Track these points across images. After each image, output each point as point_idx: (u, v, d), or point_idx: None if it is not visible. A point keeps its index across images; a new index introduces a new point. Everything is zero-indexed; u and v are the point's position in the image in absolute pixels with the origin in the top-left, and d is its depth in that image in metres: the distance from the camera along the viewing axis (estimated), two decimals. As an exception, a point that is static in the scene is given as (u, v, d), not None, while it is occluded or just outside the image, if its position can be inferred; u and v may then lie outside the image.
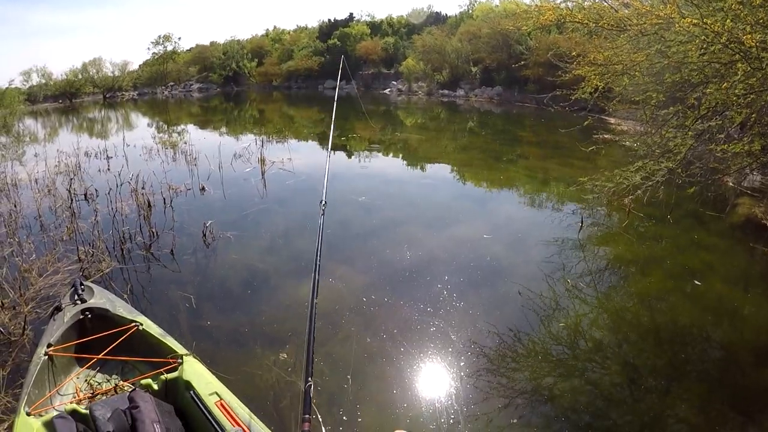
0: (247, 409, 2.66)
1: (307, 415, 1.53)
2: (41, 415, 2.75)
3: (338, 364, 4.14)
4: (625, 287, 5.95)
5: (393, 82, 37.93)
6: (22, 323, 4.92)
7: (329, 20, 51.90)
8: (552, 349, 4.51)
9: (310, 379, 1.65)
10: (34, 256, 6.72)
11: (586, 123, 8.35)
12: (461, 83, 31.82)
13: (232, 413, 2.60)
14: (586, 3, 6.72)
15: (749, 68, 4.42)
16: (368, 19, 50.66)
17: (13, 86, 49.75)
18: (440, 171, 11.57)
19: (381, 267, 6.05)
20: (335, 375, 4.01)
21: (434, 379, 4.07)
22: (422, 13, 46.86)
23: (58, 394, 3.22)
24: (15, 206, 9.43)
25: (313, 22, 56.76)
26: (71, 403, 2.91)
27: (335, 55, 44.79)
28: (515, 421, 3.60)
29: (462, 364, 4.21)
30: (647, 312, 5.25)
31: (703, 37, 4.60)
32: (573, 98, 7.53)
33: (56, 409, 2.85)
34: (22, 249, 6.96)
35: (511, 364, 4.25)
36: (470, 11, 40.13)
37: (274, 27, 59.43)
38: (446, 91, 31.72)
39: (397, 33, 45.94)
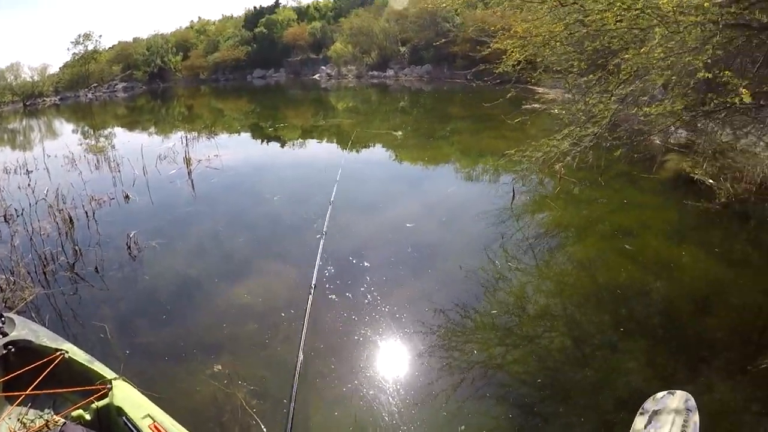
0: (183, 429, 2.63)
1: None
2: None
3: (285, 365, 3.98)
4: (564, 251, 6.02)
5: (322, 67, 37.62)
6: None
7: (255, 8, 50.91)
8: (499, 319, 4.52)
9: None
10: None
11: (509, 96, 8.21)
12: (390, 64, 31.79)
13: None
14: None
15: (667, 32, 4.52)
16: (294, 4, 49.97)
17: None
18: (373, 154, 11.48)
19: (298, 263, 5.81)
20: (284, 375, 3.87)
21: (388, 364, 4.04)
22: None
23: None
24: None
25: (238, 11, 55.92)
26: None
27: (262, 43, 44.29)
28: (473, 393, 3.61)
29: (413, 344, 4.20)
30: (587, 274, 5.34)
31: (619, 4, 4.67)
32: (496, 72, 7.54)
33: None
34: None
35: (461, 338, 4.26)
36: None
37: (199, 18, 57.94)
38: (376, 73, 31.66)
39: (324, 17, 45.45)
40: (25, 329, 3.78)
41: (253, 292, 5.16)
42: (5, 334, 3.70)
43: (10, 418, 3.21)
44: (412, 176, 9.50)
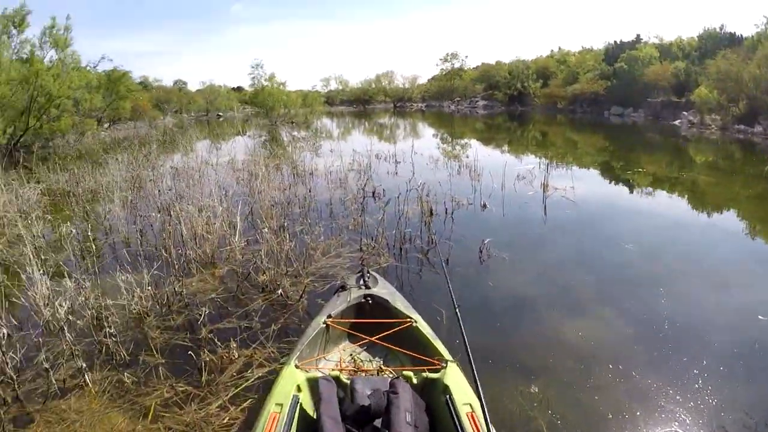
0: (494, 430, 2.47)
1: None
2: (307, 371, 3.12)
3: (596, 411, 3.71)
4: None
5: (683, 113, 34.96)
6: (300, 291, 5.69)
7: (615, 42, 49.78)
8: None
9: None
10: (321, 238, 7.62)
11: None
12: (760, 118, 28.07)
13: (479, 429, 2.52)
14: None
15: None
16: (656, 41, 47.29)
17: (314, 90, 57.52)
18: (726, 221, 10.03)
19: (632, 324, 5.27)
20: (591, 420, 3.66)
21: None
22: (715, 33, 42.77)
23: (325, 359, 3.60)
24: (309, 191, 11.07)
25: (598, 44, 55.27)
26: (335, 369, 3.25)
27: (622, 79, 43.12)
28: None
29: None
30: None
31: None
32: None
33: (320, 371, 3.18)
34: (312, 229, 7.91)
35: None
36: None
37: (559, 48, 58.83)
38: (742, 127, 27.88)
39: (687, 57, 42.21)
40: (385, 289, 4.31)
41: (584, 332, 4.99)
42: (368, 287, 4.25)
43: (345, 351, 3.74)
44: None
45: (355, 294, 4.17)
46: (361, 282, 4.38)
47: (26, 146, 24.61)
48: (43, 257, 6.85)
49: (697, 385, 4.14)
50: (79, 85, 28.54)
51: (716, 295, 6.12)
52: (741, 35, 39.46)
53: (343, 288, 4.44)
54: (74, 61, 29.01)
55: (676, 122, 33.86)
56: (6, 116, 24.44)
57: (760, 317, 5.45)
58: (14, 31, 26.73)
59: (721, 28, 42.25)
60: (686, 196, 12.57)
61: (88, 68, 31.77)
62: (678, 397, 3.99)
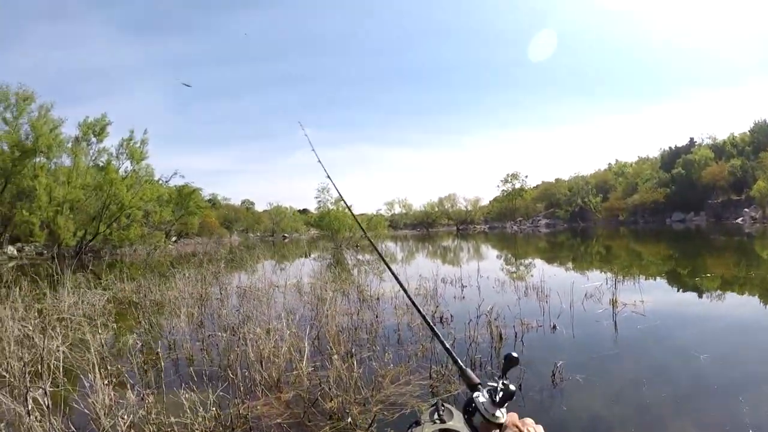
0: None
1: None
2: None
3: None
4: None
5: (745, 210, 34.55)
6: (370, 420, 5.57)
7: (670, 148, 50.36)
8: None
9: None
10: (391, 365, 7.53)
11: None
12: None
13: None
14: None
15: None
16: (709, 141, 47.86)
17: (379, 213, 59.08)
18: None
19: None
20: None
21: None
22: (765, 125, 42.49)
23: None
24: (377, 317, 11.04)
25: (653, 152, 55.69)
26: None
27: (680, 184, 43.05)
28: None
29: None
30: None
31: None
32: None
33: None
34: (380, 356, 7.87)
35: None
36: None
37: (616, 161, 59.97)
38: None
39: (742, 153, 42.14)
40: (460, 422, 4.31)
41: None
42: (443, 421, 4.29)
43: None
44: None
45: (429, 429, 4.16)
46: (436, 416, 4.39)
47: (95, 251, 25.62)
48: (107, 366, 6.94)
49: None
50: (151, 198, 30.21)
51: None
52: (793, 121, 39.24)
53: (417, 423, 4.43)
54: (148, 173, 30.97)
55: (738, 220, 33.39)
56: (78, 220, 25.84)
57: None
58: (94, 140, 28.76)
59: (771, 119, 42.17)
60: (757, 294, 12.34)
61: (160, 182, 33.57)
62: None
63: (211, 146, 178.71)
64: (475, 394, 1.51)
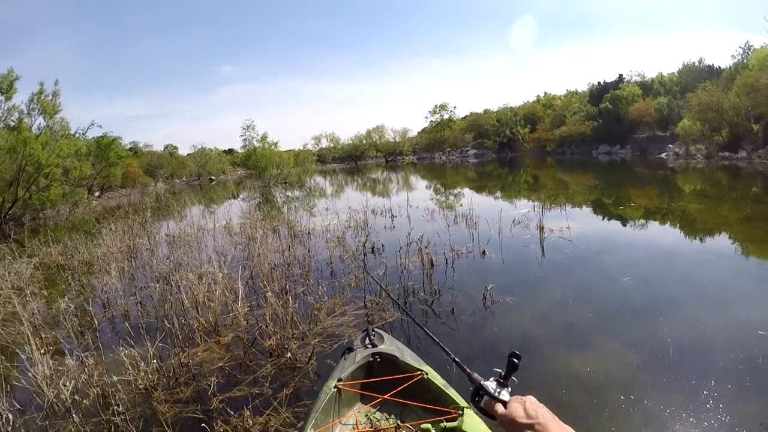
0: None
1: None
2: None
3: None
4: None
5: (669, 146, 35.52)
6: (309, 353, 5.66)
7: (599, 83, 51.11)
8: None
9: None
10: (325, 297, 7.66)
11: None
12: (742, 143, 27.95)
13: None
14: None
15: None
16: (638, 79, 48.61)
17: (306, 148, 58.20)
18: (719, 244, 10.33)
19: (637, 352, 5.36)
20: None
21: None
22: (694, 67, 43.60)
23: (341, 423, 3.55)
24: (309, 251, 11.06)
25: (582, 86, 56.51)
26: None
27: (607, 118, 44.06)
28: None
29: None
30: None
31: None
32: None
33: None
34: (314, 289, 7.96)
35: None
36: (745, 60, 35.62)
37: (545, 93, 60.34)
38: (726, 153, 28.17)
39: (669, 92, 43.08)
40: (392, 346, 4.27)
41: (592, 366, 5.07)
42: (374, 345, 4.22)
43: (360, 413, 3.68)
44: (762, 276, 8.11)
45: (362, 354, 4.15)
46: (367, 341, 4.37)
47: (15, 218, 24.33)
48: (41, 335, 6.78)
49: (708, 405, 4.22)
50: (69, 153, 28.19)
51: (715, 316, 6.27)
52: (719, 67, 40.49)
53: (349, 350, 4.41)
54: (63, 127, 28.64)
55: (662, 155, 34.45)
56: (-7, 188, 24.06)
57: (760, 332, 5.58)
58: (1, 98, 26.54)
59: (699, 62, 43.29)
60: (677, 224, 12.83)
61: (77, 135, 31.50)
62: (692, 419, 4.06)
63: (128, 91, 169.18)
64: (483, 382, 1.52)
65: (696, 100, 32.17)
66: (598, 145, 43.79)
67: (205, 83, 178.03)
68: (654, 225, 12.83)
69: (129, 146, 54.72)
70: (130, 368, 5.30)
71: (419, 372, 3.77)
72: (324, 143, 74.57)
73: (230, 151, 67.37)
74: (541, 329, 6.33)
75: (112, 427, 4.57)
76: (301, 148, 58.45)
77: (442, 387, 3.60)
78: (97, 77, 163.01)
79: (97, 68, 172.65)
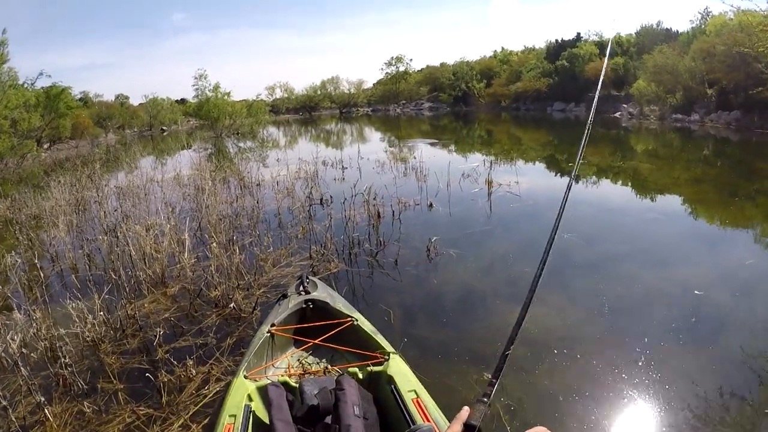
0: (440, 412, 2.69)
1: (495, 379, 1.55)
2: (256, 380, 3.20)
3: (545, 392, 3.97)
4: None
5: (623, 105, 35.96)
6: (253, 304, 5.75)
7: (557, 41, 50.93)
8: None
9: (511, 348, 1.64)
10: (271, 248, 7.67)
11: None
12: (695, 107, 28.44)
13: (425, 412, 2.66)
14: None
15: None
16: (596, 38, 48.77)
17: (259, 98, 56.94)
18: (667, 204, 10.47)
19: (577, 308, 5.45)
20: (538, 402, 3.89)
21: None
22: (651, 30, 43.89)
23: (273, 366, 3.69)
24: (257, 203, 11.04)
25: (540, 43, 56.30)
26: (283, 375, 3.34)
27: (563, 76, 44.19)
28: None
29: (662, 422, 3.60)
30: None
31: None
32: None
33: (269, 378, 3.28)
34: (261, 241, 8.03)
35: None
36: (702, 26, 35.30)
37: (502, 48, 59.92)
38: (680, 116, 28.70)
39: (626, 53, 43.43)
40: (324, 293, 4.41)
41: (532, 320, 4.88)
42: (308, 292, 4.35)
43: (292, 357, 3.83)
44: (706, 237, 8.24)
45: (295, 300, 4.24)
46: (301, 288, 4.47)
47: None
48: None
49: (641, 362, 4.28)
50: (17, 104, 27.29)
51: (655, 274, 6.36)
52: (677, 31, 40.85)
53: (284, 296, 4.53)
54: (11, 78, 27.63)
55: (617, 114, 34.88)
56: (-61, 145, 23.19)
57: (696, 292, 5.65)
58: None
59: (657, 25, 43.56)
60: (627, 183, 13.04)
61: (25, 85, 30.45)
62: (624, 375, 4.12)
63: (79, 40, 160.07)
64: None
65: (652, 62, 32.46)
66: (553, 102, 43.92)
67: (157, 30, 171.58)
68: (605, 183, 13.03)
69: (79, 97, 52.25)
70: (78, 321, 5.29)
71: (350, 318, 3.92)
72: (278, 93, 72.99)
73: (183, 101, 65.41)
74: (482, 283, 6.36)
75: (60, 380, 4.53)
76: (255, 98, 57.08)
77: (371, 333, 3.73)
78: (49, 27, 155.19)
79: (46, 18, 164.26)
